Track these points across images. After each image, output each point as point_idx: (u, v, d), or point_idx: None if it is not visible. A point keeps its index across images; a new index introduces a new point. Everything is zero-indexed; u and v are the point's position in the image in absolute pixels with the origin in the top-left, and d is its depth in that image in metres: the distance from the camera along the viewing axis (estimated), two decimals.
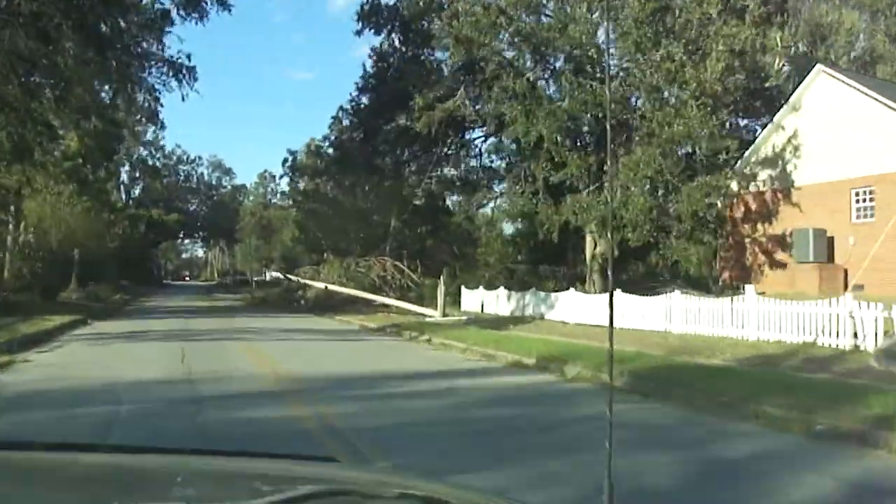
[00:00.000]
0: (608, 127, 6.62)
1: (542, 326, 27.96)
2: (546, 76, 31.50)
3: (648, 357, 17.31)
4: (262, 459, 2.75)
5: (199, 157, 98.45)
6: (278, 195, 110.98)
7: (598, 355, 16.86)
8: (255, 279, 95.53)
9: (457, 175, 46.94)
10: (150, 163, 75.13)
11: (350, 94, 44.25)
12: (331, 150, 65.70)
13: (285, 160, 68.10)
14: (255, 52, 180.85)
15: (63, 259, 45.53)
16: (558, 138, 30.96)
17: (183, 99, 33.12)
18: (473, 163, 46.22)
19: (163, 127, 63.40)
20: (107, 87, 37.92)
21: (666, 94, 28.50)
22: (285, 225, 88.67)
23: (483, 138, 41.90)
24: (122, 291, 60.50)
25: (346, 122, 63.64)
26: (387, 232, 57.59)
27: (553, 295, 30.99)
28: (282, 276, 45.52)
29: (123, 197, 79.16)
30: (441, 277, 35.05)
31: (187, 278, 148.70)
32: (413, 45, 40.30)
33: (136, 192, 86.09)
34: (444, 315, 33.28)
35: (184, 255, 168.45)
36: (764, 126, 32.80)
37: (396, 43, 41.55)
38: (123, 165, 72.54)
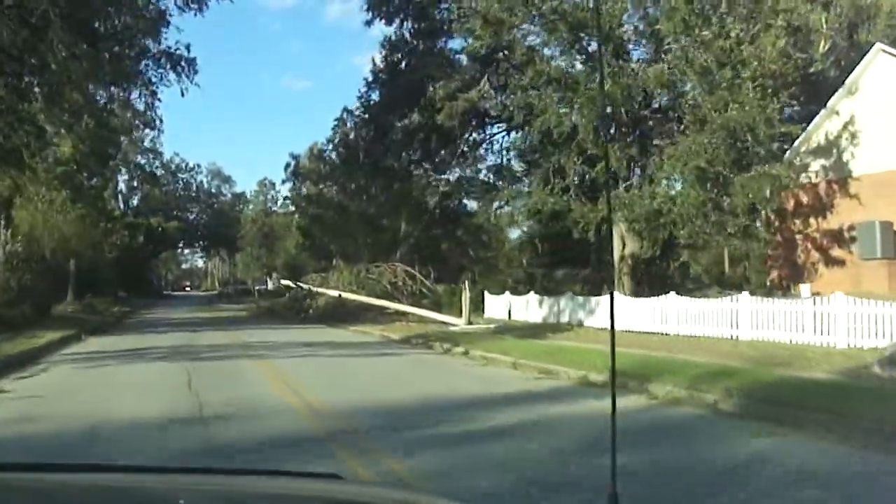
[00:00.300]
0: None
1: (585, 335, 25.13)
2: (582, 59, 28.41)
3: (740, 371, 14.45)
4: (265, 478, 2.71)
5: (198, 165, 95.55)
6: (279, 203, 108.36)
7: (678, 369, 14.53)
8: (258, 288, 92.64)
9: (474, 173, 43.85)
10: (149, 169, 71.58)
11: (359, 90, 41.00)
12: (335, 154, 63.23)
13: (288, 164, 65.46)
14: (250, 60, 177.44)
15: (58, 270, 42.58)
16: (595, 128, 28.02)
17: (182, 94, 30.05)
18: (490, 160, 43.15)
19: (160, 129, 60.17)
20: (101, 91, 35.17)
21: (718, 76, 25.45)
22: (288, 232, 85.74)
23: (505, 132, 38.84)
24: (121, 303, 57.56)
25: (352, 123, 61.21)
26: (396, 236, 54.69)
27: (593, 300, 28.06)
28: (292, 285, 42.36)
29: (122, 206, 76.06)
30: (465, 282, 32.07)
31: (188, 288, 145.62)
32: (427, 36, 37.27)
33: (135, 201, 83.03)
34: (470, 323, 30.38)
35: (184, 266, 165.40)
36: (808, 114, 29.84)
37: (407, 35, 38.44)
38: (120, 172, 69.41)
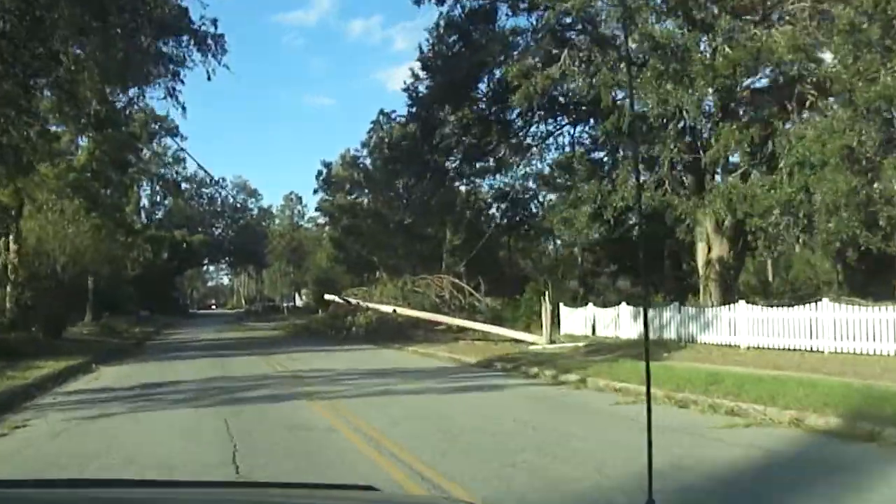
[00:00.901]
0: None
1: (708, 353, 20.24)
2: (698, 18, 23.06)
3: None
4: (301, 489, 2.80)
5: (223, 179, 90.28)
6: (306, 217, 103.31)
7: None
8: (286, 305, 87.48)
9: (536, 171, 38.52)
10: (171, 178, 66.24)
11: (404, 81, 35.62)
12: (370, 159, 58.21)
13: (320, 172, 60.22)
14: (273, 78, 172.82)
15: (74, 288, 37.44)
16: (708, 105, 22.92)
17: (209, 77, 24.98)
18: (550, 156, 37.82)
19: (182, 135, 55.57)
20: (119, 93, 30.31)
21: (865, 36, 20.03)
22: (318, 246, 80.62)
23: (571, 125, 33.52)
24: (143, 323, 52.41)
25: (388, 126, 56.24)
26: (441, 246, 49.40)
27: (709, 311, 22.68)
28: (337, 299, 36.95)
29: (144, 220, 71.14)
30: (544, 294, 26.72)
31: (213, 307, 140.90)
32: (483, 17, 31.95)
33: (159, 215, 78.04)
34: (552, 341, 25.06)
35: (209, 283, 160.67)
36: None
37: (460, 14, 33.07)
38: (142, 185, 64.37)
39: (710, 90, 22.27)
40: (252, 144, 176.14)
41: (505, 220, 42.12)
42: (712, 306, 25.37)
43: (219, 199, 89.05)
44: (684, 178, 27.27)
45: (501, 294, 43.42)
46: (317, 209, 65.97)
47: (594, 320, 28.17)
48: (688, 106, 22.66)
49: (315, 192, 62.52)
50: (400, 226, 52.26)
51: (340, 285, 60.54)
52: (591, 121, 31.77)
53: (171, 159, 67.79)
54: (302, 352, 27.10)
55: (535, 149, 35.80)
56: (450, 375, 18.37)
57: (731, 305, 21.79)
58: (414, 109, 35.82)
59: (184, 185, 77.21)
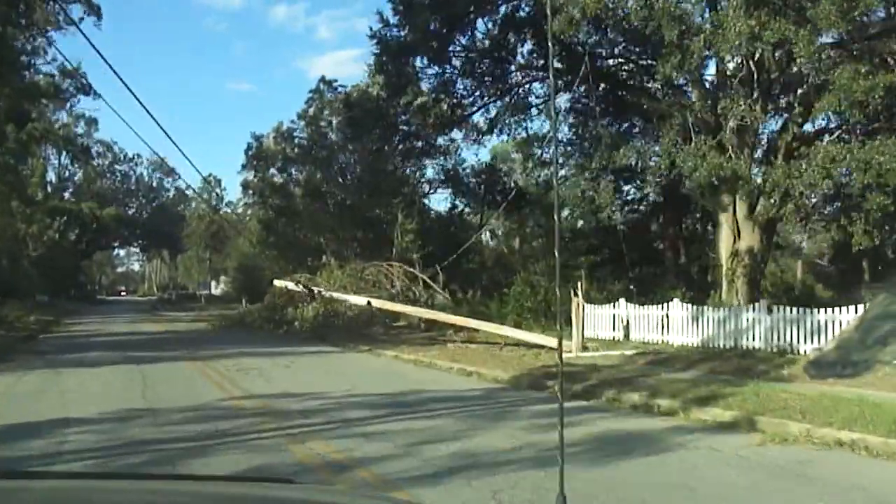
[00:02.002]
0: None
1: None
2: None
3: None
4: (220, 483, 2.82)
5: (139, 156, 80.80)
6: (224, 202, 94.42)
7: None
8: (203, 293, 79.03)
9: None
10: (80, 143, 56.53)
11: (370, 28, 28.14)
12: (305, 135, 50.67)
13: (249, 146, 52.06)
14: (194, 61, 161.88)
15: None
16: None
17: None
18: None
19: (94, 90, 46.66)
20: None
21: None
22: (243, 229, 72.57)
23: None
24: (42, 309, 43.74)
25: (332, 94, 48.85)
26: (392, 229, 42.19)
27: (820, 313, 16.18)
28: (292, 286, 29.45)
29: (50, 193, 61.89)
30: (576, 286, 19.93)
31: (124, 293, 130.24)
32: None
33: (67, 194, 68.56)
34: (584, 348, 18.44)
35: (119, 269, 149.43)
36: None
37: None
38: (47, 154, 55.13)
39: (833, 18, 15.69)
40: (170, 123, 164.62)
41: (484, 197, 34.73)
42: (739, 305, 20.39)
43: (133, 177, 79.76)
44: (753, 141, 20.95)
45: (464, 285, 36.63)
46: (243, 187, 57.73)
47: (625, 321, 21.43)
48: (797, 40, 16.13)
49: (243, 167, 54.45)
50: (342, 206, 44.87)
51: (265, 274, 52.95)
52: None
53: (81, 122, 57.87)
54: (247, 355, 19.88)
55: (534, 109, 28.90)
56: (499, 408, 11.66)
57: (857, 305, 15.24)
58: (383, 60, 28.52)
59: (95, 154, 67.22)
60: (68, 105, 45.67)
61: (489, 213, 34.44)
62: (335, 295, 27.10)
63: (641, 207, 33.50)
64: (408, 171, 48.42)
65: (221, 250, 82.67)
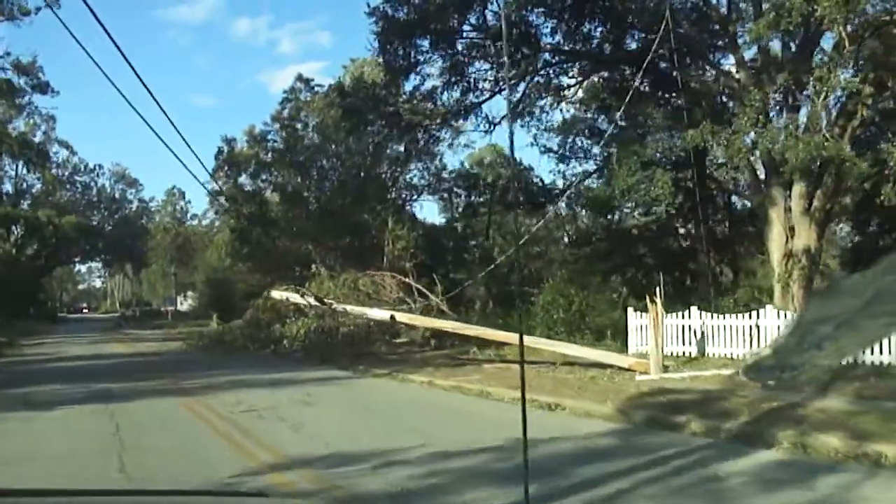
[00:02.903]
0: None
1: None
2: None
3: None
4: (194, 497, 2.64)
5: (100, 166, 75.20)
6: (189, 214, 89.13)
7: None
8: (169, 309, 73.82)
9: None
10: (36, 145, 50.71)
11: (368, 4, 23.78)
12: (282, 136, 46.31)
13: (220, 151, 47.35)
14: (156, 73, 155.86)
15: None
16: None
17: None
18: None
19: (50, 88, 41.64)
20: None
21: None
22: (209, 243, 67.63)
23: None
24: None
25: (308, 94, 44.70)
26: (382, 236, 37.95)
27: None
28: (297, 298, 24.77)
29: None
30: (655, 293, 15.88)
31: (85, 310, 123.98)
32: None
33: (25, 204, 62.97)
34: (664, 368, 14.44)
35: (81, 286, 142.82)
36: None
37: None
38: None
39: None
40: (132, 136, 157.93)
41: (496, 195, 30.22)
42: (795, 312, 16.79)
43: (94, 189, 74.15)
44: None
45: (471, 297, 32.53)
46: (215, 193, 52.87)
47: (701, 333, 17.37)
48: None
49: (211, 175, 49.61)
50: (324, 212, 40.49)
51: (247, 285, 48.26)
52: None
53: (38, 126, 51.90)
54: (245, 385, 15.63)
55: (571, 90, 24.78)
56: (710, 466, 7.50)
57: None
58: (381, 40, 24.28)
59: (54, 164, 61.59)
60: (25, 100, 41.07)
61: (502, 213, 30.00)
62: (349, 308, 22.66)
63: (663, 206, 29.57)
64: (396, 173, 44.37)
65: (188, 264, 77.36)
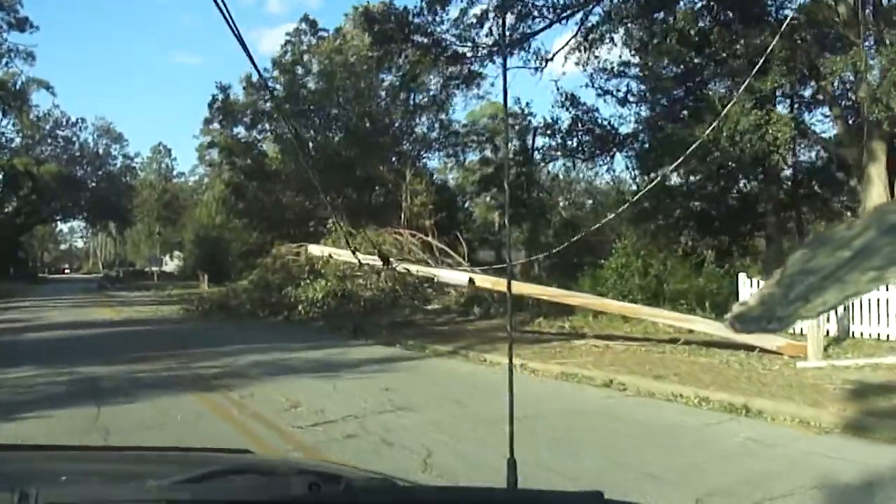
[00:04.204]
0: None
1: None
2: None
3: None
4: (182, 452, 2.66)
5: (83, 120, 69.54)
6: (175, 172, 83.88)
7: None
8: (155, 270, 69.04)
9: None
10: (14, 84, 45.15)
11: None
12: (280, 85, 41.64)
13: (214, 99, 42.52)
14: (139, 33, 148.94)
15: None
16: None
17: None
18: None
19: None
20: None
21: None
22: (198, 200, 62.99)
23: None
24: None
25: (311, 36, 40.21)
26: (398, 192, 33.64)
27: None
28: (358, 259, 19.85)
29: None
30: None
31: (67, 271, 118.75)
32: None
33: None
34: (826, 353, 10.23)
35: (62, 246, 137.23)
36: None
37: None
38: None
39: None
40: (116, 89, 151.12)
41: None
42: None
43: (77, 143, 68.68)
44: None
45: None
46: (210, 145, 48.09)
47: (843, 308, 13.21)
48: None
49: (207, 122, 44.99)
50: (331, 164, 35.90)
51: (244, 243, 43.82)
52: None
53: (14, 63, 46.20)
54: (280, 368, 11.28)
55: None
56: None
57: None
58: None
59: (34, 118, 55.98)
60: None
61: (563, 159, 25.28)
62: (416, 269, 18.06)
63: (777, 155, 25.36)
64: (413, 123, 39.85)
65: (175, 222, 72.39)
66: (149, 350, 14.06)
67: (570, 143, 22.60)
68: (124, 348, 14.39)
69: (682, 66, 20.88)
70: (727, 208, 26.48)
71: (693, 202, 25.97)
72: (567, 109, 22.32)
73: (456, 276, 16.66)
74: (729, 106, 15.83)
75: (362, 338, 16.98)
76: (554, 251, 16.54)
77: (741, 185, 26.48)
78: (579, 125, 22.13)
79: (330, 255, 20.97)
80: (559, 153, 23.24)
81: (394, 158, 38.03)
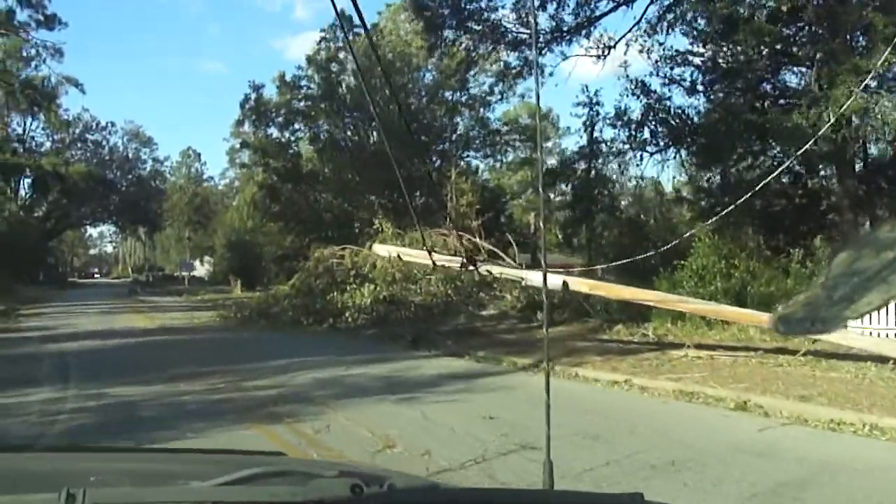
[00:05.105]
0: None
1: None
2: None
3: None
4: (214, 454, 2.71)
5: (112, 124, 68.04)
6: (204, 176, 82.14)
7: None
8: (185, 275, 67.65)
9: None
10: (37, 84, 43.04)
11: None
12: (314, 82, 39.91)
13: (246, 98, 40.71)
14: (167, 41, 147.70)
15: None
16: None
17: None
18: None
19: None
20: None
21: None
22: (229, 205, 61.37)
23: None
24: None
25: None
26: (443, 189, 31.63)
27: None
28: (435, 261, 17.70)
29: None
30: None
31: (97, 275, 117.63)
32: None
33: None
34: None
35: (92, 251, 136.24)
36: None
37: None
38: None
39: None
40: (145, 95, 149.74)
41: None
42: None
43: (106, 147, 67.25)
44: None
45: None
46: (242, 145, 46.30)
47: None
48: None
49: (239, 122, 43.15)
50: (370, 164, 34.00)
51: (278, 247, 42.13)
52: None
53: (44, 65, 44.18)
54: (368, 393, 9.59)
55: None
56: None
57: None
58: None
59: (66, 118, 54.20)
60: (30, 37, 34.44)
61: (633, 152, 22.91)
62: (499, 272, 15.84)
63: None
64: (456, 120, 37.94)
65: (206, 226, 70.74)
66: (190, 365, 12.16)
67: (640, 134, 20.54)
68: (161, 363, 12.51)
69: (764, 49, 18.72)
70: (792, 205, 24.25)
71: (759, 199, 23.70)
72: (638, 98, 20.26)
73: (548, 279, 14.54)
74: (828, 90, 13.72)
75: (424, 348, 15.08)
76: (641, 257, 14.57)
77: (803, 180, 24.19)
78: (651, 115, 20.05)
79: (398, 256, 19.00)
80: (628, 145, 21.15)
81: (435, 158, 36.12)
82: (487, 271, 14.57)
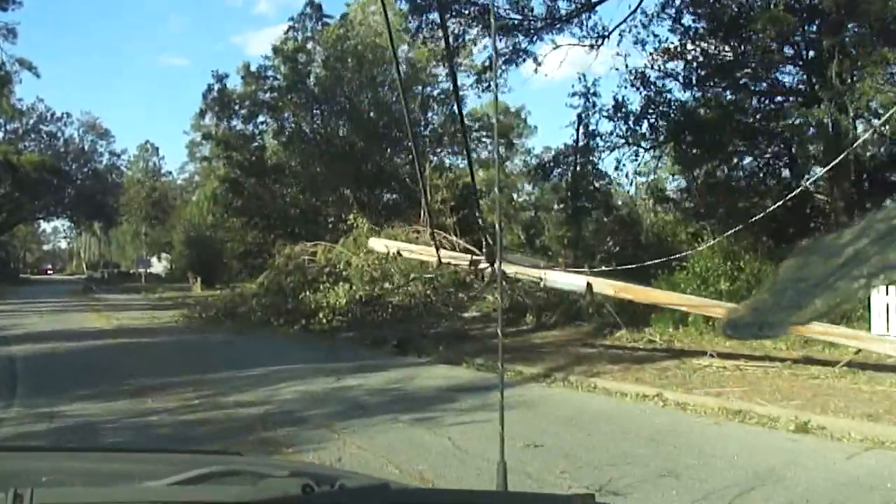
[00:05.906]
0: None
1: None
2: None
3: None
4: (169, 454, 2.65)
5: (68, 115, 65.36)
6: (162, 171, 79.59)
7: None
8: (143, 271, 65.45)
9: None
10: None
11: None
12: (281, 72, 38.31)
13: (209, 88, 38.91)
14: (128, 36, 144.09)
15: None
16: None
17: None
18: None
19: None
20: None
21: None
22: (188, 199, 59.16)
23: None
24: None
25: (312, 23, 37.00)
26: (416, 189, 30.21)
27: None
28: (440, 256, 16.14)
29: None
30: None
31: (50, 272, 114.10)
32: None
33: None
34: None
35: (45, 247, 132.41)
36: None
37: None
38: None
39: None
40: (103, 87, 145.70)
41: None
42: None
43: (62, 139, 64.63)
44: None
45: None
46: (205, 136, 44.42)
47: None
48: None
49: (201, 113, 41.34)
50: (340, 158, 32.48)
51: (241, 244, 40.40)
52: None
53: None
54: (373, 412, 8.01)
55: None
56: None
57: None
58: None
59: (17, 110, 51.74)
60: None
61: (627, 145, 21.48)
62: (514, 271, 14.21)
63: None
64: (430, 114, 36.52)
65: (164, 222, 68.40)
66: (156, 374, 10.62)
67: (639, 128, 19.30)
68: (124, 371, 10.93)
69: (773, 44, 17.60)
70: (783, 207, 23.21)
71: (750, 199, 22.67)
72: (637, 90, 19.02)
73: (569, 280, 12.99)
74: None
75: (412, 353, 13.67)
76: (650, 263, 13.30)
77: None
78: (651, 107, 18.82)
79: (398, 252, 17.63)
80: (624, 139, 19.88)
81: (406, 154, 34.71)
82: (502, 271, 13.12)
